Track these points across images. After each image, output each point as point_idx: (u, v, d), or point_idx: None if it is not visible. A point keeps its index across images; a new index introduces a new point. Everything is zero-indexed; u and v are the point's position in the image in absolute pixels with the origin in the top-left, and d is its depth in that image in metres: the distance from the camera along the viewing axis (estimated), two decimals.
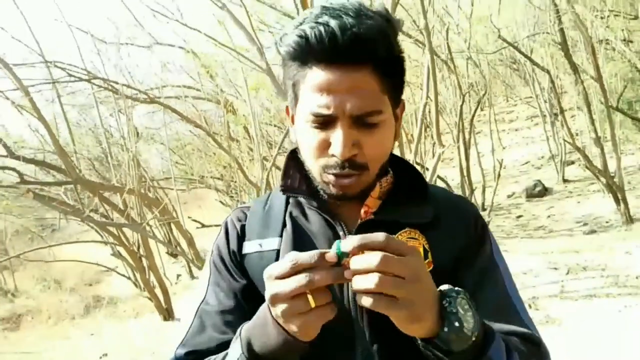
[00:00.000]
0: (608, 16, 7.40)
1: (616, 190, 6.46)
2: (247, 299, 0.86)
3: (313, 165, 0.82)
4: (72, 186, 5.72)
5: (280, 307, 0.64)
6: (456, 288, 0.68)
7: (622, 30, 7.76)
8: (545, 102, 9.42)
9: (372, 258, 0.61)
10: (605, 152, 6.66)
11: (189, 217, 9.42)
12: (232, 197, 9.66)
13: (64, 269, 11.19)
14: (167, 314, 6.73)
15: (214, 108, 7.96)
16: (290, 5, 5.26)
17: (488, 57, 8.42)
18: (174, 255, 10.86)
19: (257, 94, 5.92)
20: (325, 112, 0.76)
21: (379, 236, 0.63)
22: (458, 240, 0.85)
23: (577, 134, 8.83)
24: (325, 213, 0.86)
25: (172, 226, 8.88)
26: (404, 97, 0.88)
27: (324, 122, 0.78)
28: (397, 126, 0.87)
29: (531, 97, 11.21)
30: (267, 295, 0.66)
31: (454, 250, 0.85)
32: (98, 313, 8.37)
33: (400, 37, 0.86)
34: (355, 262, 0.63)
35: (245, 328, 0.73)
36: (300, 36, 0.76)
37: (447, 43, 6.28)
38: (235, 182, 7.86)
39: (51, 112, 6.57)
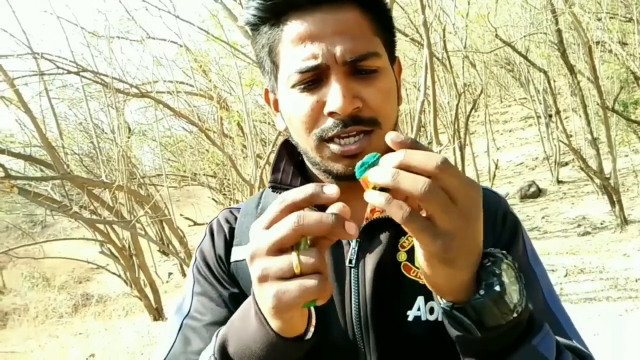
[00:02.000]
0: (604, 18, 7.38)
1: (611, 192, 6.44)
2: None
3: (308, 141, 0.66)
4: (60, 182, 5.60)
5: (257, 268, 0.47)
6: (504, 251, 0.54)
7: (617, 32, 7.75)
8: (540, 103, 9.41)
9: (436, 156, 0.45)
10: (600, 154, 6.64)
11: (180, 215, 9.31)
12: (225, 195, 9.55)
13: (54, 267, 11.04)
14: (157, 313, 6.62)
15: (207, 104, 7.87)
16: None
17: (484, 57, 8.37)
18: (166, 254, 10.74)
19: (251, 91, 5.83)
20: (312, 63, 0.62)
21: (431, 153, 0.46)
22: (483, 241, 0.68)
23: (571, 136, 8.82)
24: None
25: (164, 224, 8.76)
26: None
27: (314, 81, 0.64)
28: (398, 89, 0.72)
29: (525, 98, 11.22)
30: (247, 255, 0.49)
31: None
32: (87, 312, 8.24)
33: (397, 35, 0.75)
34: (416, 154, 0.45)
35: (224, 326, 0.59)
36: None
37: (444, 41, 6.22)
38: (229, 179, 7.76)
39: (40, 106, 6.45)
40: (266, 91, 0.76)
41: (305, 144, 0.68)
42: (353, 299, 0.65)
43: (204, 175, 10.07)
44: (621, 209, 6.33)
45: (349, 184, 0.62)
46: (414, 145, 0.47)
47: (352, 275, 0.67)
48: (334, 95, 0.62)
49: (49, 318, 8.26)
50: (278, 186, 0.74)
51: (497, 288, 0.49)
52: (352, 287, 0.66)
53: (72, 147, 8.71)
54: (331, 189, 0.47)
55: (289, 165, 0.76)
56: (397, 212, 0.45)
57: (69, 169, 4.93)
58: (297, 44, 0.64)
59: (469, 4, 6.91)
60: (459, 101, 7.40)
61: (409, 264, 0.67)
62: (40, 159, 5.48)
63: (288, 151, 0.77)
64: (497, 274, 0.50)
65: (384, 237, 0.69)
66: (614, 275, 4.62)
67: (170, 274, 9.95)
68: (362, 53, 0.63)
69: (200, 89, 6.71)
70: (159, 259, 10.43)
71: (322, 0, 0.63)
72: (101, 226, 6.29)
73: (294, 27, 0.64)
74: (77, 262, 8.93)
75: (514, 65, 10.20)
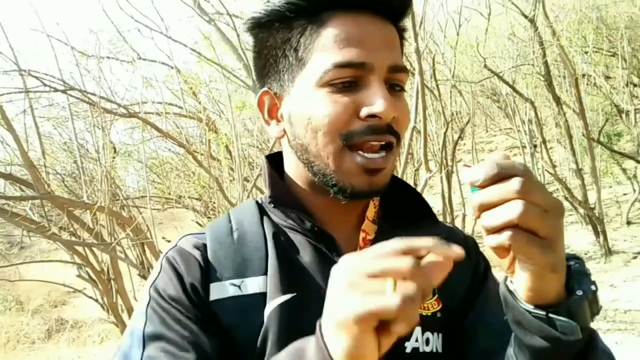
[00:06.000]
0: (589, 52, 7.57)
1: (596, 222, 6.47)
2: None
3: (328, 147, 0.60)
4: (40, 202, 5.43)
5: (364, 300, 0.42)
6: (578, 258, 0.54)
7: (602, 66, 7.95)
8: (525, 133, 9.53)
9: (512, 183, 0.44)
10: (584, 184, 6.72)
11: (163, 238, 9.11)
12: (209, 218, 9.40)
13: (30, 289, 10.66)
14: None
15: (195, 126, 7.80)
16: None
17: (471, 87, 8.50)
18: (146, 278, 10.47)
19: (240, 113, 5.79)
20: (357, 59, 0.58)
21: (517, 163, 0.46)
22: (465, 278, 0.70)
23: (555, 166, 8.92)
24: (316, 239, 0.64)
25: (145, 247, 8.56)
26: None
27: (350, 83, 0.59)
28: None
29: (511, 128, 11.36)
30: (360, 265, 0.44)
31: (462, 290, 0.69)
32: (60, 337, 7.93)
33: None
34: (489, 193, 0.45)
35: None
36: None
37: (434, 70, 6.28)
38: (214, 202, 7.65)
39: (24, 124, 6.31)
40: (264, 93, 0.68)
41: (323, 149, 0.61)
42: None
43: (188, 197, 9.91)
44: (605, 239, 6.36)
45: (352, 202, 0.63)
46: (493, 177, 0.45)
47: None
48: (379, 97, 0.58)
49: (21, 344, 7.94)
50: (279, 202, 0.68)
51: (593, 287, 0.49)
52: None
53: (54, 166, 8.52)
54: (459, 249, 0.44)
55: (282, 183, 0.70)
56: (498, 239, 0.45)
57: (50, 189, 4.79)
58: (343, 41, 0.59)
59: (457, 34, 7.03)
60: (447, 129, 7.44)
61: None
62: (20, 178, 5.31)
63: (276, 171, 0.71)
64: (588, 274, 0.50)
65: None
66: (602, 307, 4.59)
67: None
68: (401, 65, 0.62)
69: (189, 110, 6.65)
70: (138, 283, 10.16)
71: (369, 7, 0.61)
72: (80, 248, 6.09)
73: (341, 25, 0.60)
74: (53, 285, 8.63)
75: (500, 95, 10.37)
